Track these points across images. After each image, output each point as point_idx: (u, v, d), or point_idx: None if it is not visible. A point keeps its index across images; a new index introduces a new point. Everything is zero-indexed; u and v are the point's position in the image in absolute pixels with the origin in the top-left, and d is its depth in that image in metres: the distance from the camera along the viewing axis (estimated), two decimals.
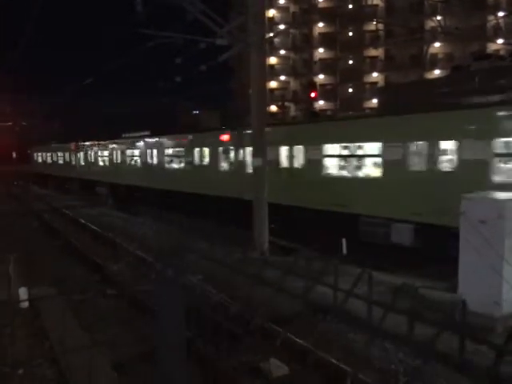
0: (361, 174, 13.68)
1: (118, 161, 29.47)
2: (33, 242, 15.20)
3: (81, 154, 36.63)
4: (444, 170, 11.28)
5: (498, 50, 37.44)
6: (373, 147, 13.12)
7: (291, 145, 15.66)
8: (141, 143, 26.27)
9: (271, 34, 39.20)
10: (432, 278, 9.65)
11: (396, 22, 41.99)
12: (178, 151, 22.67)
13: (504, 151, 10.38)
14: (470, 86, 11.22)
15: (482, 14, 41.62)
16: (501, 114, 10.36)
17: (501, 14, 43.49)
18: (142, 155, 25.97)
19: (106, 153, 31.77)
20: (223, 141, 18.77)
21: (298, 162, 15.45)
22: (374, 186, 12.91)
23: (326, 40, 52.94)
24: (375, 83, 49.54)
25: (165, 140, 23.78)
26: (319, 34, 53.71)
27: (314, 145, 14.78)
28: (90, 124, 42.13)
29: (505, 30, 42.53)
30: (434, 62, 46.56)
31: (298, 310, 7.89)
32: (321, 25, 53.49)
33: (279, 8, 54.23)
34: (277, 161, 15.88)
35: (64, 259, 12.95)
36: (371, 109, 42.35)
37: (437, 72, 45.20)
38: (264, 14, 13.25)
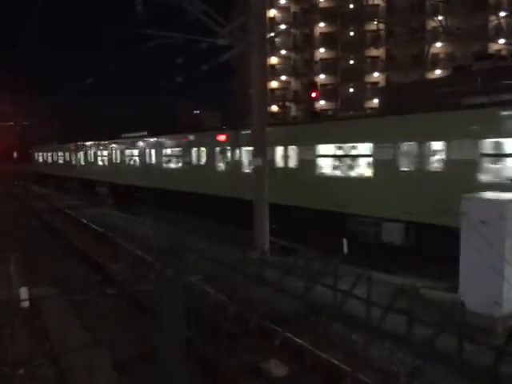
0: (353, 173, 13.86)
1: (118, 160, 29.61)
2: (33, 241, 15.21)
3: (81, 154, 36.79)
4: (432, 170, 11.44)
5: (499, 50, 37.40)
6: (365, 147, 13.33)
7: (285, 145, 15.74)
8: (140, 143, 26.38)
9: (272, 34, 39.19)
10: (432, 278, 9.66)
11: (397, 22, 41.99)
12: (177, 151, 22.83)
13: (491, 152, 10.56)
14: (471, 86, 11.22)
15: (484, 14, 41.50)
16: (487, 115, 10.54)
17: (502, 14, 43.43)
18: (142, 155, 26.01)
19: (105, 152, 31.93)
20: (220, 141, 18.98)
21: (292, 162, 15.61)
22: (366, 185, 13.08)
23: (327, 40, 52.91)
24: (376, 83, 49.51)
25: (163, 140, 23.95)
26: (320, 33, 53.68)
27: (307, 145, 15.00)
28: (91, 124, 42.22)
29: (506, 30, 42.47)
30: (435, 62, 46.51)
31: (298, 310, 7.88)
32: (322, 25, 53.46)
33: (280, 8, 54.21)
34: (272, 161, 15.98)
35: (65, 259, 12.96)
36: (372, 109, 42.34)
37: (438, 72, 45.17)
38: (265, 13, 13.25)
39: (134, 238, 14.99)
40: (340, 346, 6.74)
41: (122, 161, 28.98)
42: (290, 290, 8.37)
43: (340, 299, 7.21)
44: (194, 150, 20.81)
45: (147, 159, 25.34)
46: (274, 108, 50.37)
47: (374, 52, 49.49)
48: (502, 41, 39.53)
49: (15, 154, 62.81)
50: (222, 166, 19.09)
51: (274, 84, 53.65)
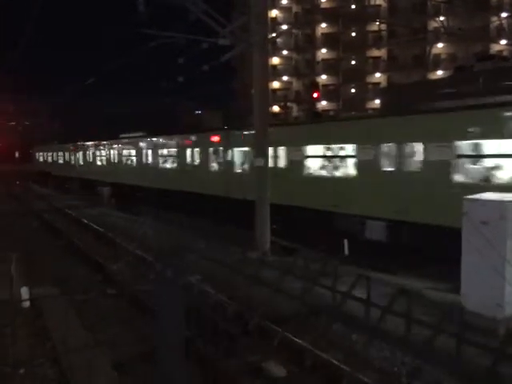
0: (339, 173, 14.26)
1: (116, 160, 29.87)
2: (34, 241, 15.23)
3: (79, 154, 37.04)
4: (410, 170, 11.83)
5: (501, 51, 37.38)
6: (349, 148, 13.84)
7: (275, 146, 15.85)
8: (139, 143, 26.58)
9: (274, 35, 39.21)
10: (432, 279, 9.65)
11: (399, 23, 41.92)
12: (174, 151, 23.07)
13: (465, 153, 10.94)
14: (473, 86, 11.23)
15: (485, 15, 41.52)
16: (460, 118, 10.90)
17: (504, 14, 43.39)
18: (143, 155, 26.14)
19: (103, 152, 32.30)
20: (213, 142, 19.44)
21: (282, 162, 15.89)
22: (350, 185, 13.48)
23: (329, 40, 52.94)
24: (378, 84, 49.53)
25: (161, 140, 24.31)
26: (322, 34, 53.71)
27: (295, 146, 15.30)
28: (91, 124, 42.35)
29: (508, 30, 42.44)
30: (436, 63, 46.51)
31: (297, 310, 7.86)
32: (323, 25, 53.48)
33: (282, 8, 54.24)
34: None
35: (65, 259, 12.97)
36: (374, 109, 42.34)
37: (440, 72, 45.14)
38: (266, 14, 13.22)
39: (134, 238, 14.98)
40: (340, 346, 6.73)
41: (120, 161, 29.34)
42: (290, 290, 8.36)
43: (339, 300, 7.20)
44: (189, 150, 21.26)
45: (147, 159, 25.61)
46: (276, 108, 50.40)
47: (375, 52, 49.49)
48: (503, 41, 39.52)
49: (17, 154, 62.97)
50: (214, 166, 19.53)
51: (275, 84, 53.67)
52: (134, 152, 27.29)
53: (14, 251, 10.81)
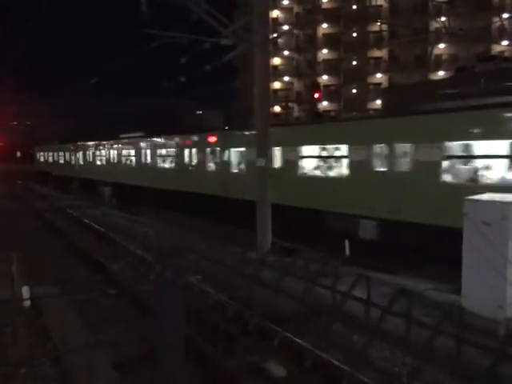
0: (332, 173, 14.37)
1: (116, 160, 29.95)
2: (35, 241, 15.24)
3: (79, 154, 37.14)
4: (400, 170, 11.94)
5: (502, 52, 37.36)
6: (342, 149, 13.93)
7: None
8: (139, 144, 26.66)
9: (275, 35, 39.22)
10: (432, 279, 9.64)
11: (400, 23, 41.90)
12: (174, 151, 23.15)
13: (453, 154, 11.06)
14: (474, 87, 11.22)
15: (487, 16, 41.46)
16: (449, 119, 10.98)
17: (505, 15, 43.35)
18: (142, 155, 26.20)
19: (103, 152, 32.38)
20: (210, 142, 19.59)
21: (277, 162, 15.88)
22: (344, 185, 13.61)
23: (330, 41, 52.87)
24: (379, 84, 49.47)
25: (160, 141, 24.43)
26: (323, 34, 53.64)
27: (291, 146, 15.34)
28: (91, 124, 42.44)
29: (509, 31, 42.39)
30: (438, 63, 46.45)
31: (297, 310, 7.86)
32: (325, 25, 53.39)
33: (283, 8, 54.22)
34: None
35: (66, 258, 12.98)
36: (375, 110, 42.31)
37: (441, 73, 45.09)
38: (268, 14, 13.21)
39: (135, 238, 14.99)
40: (340, 346, 6.72)
41: (119, 161, 29.46)
42: (290, 290, 8.36)
43: (339, 300, 7.19)
44: (187, 150, 21.42)
45: (146, 160, 25.70)
46: (277, 109, 50.38)
47: (376, 53, 49.44)
48: (505, 42, 39.50)
49: (18, 154, 63.08)
50: (212, 166, 19.64)
51: (276, 85, 53.65)
52: (133, 152, 27.35)
53: (16, 251, 10.82)
